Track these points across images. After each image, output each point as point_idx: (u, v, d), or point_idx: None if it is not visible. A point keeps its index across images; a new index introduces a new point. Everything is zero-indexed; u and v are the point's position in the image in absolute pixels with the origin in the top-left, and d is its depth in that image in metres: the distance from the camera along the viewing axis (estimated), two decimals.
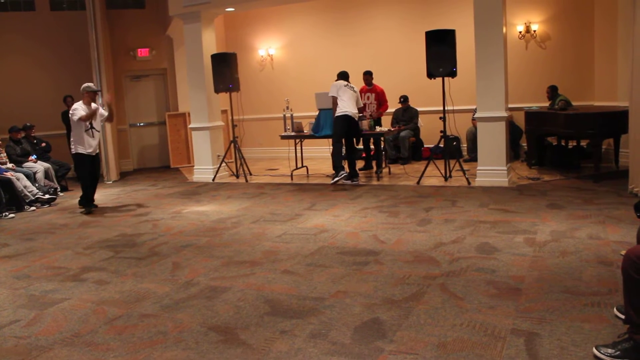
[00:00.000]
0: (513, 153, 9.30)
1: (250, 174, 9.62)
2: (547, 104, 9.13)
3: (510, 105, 8.00)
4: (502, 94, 7.38)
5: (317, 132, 8.81)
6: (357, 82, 9.23)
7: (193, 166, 10.21)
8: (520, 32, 9.84)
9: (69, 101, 10.20)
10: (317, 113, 8.88)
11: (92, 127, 7.38)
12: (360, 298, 3.73)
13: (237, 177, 9.57)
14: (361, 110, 8.60)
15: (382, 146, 9.17)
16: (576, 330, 3.05)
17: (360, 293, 3.82)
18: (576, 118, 7.62)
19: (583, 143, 8.76)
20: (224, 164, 9.66)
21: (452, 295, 3.68)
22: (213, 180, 9.49)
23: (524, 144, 9.44)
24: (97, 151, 7.65)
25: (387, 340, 3.09)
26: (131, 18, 11.82)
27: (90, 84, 7.71)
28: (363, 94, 9.31)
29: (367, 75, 9.30)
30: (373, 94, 9.29)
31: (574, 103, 8.78)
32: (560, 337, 2.99)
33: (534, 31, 9.76)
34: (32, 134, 9.52)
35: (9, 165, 8.36)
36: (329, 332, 3.23)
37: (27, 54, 11.18)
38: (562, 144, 8.87)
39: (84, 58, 10.64)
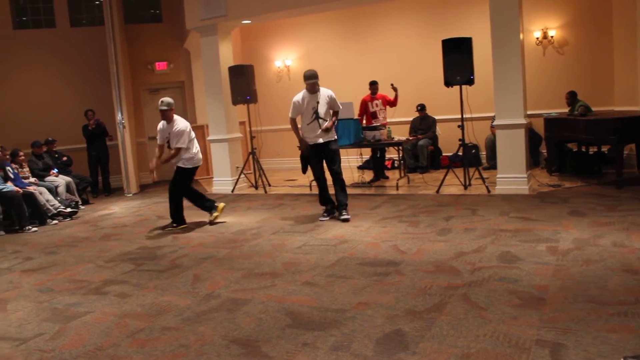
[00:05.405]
0: (533, 160, 9.21)
1: (269, 185, 9.65)
2: (566, 110, 9.04)
3: (529, 112, 7.93)
4: (521, 101, 7.31)
5: None
6: (364, 91, 9.32)
7: (212, 178, 10.27)
8: (537, 38, 9.77)
9: (89, 115, 10.39)
10: None
11: (317, 117, 6.59)
12: (381, 309, 3.71)
13: (256, 188, 9.59)
14: (374, 117, 8.57)
15: (384, 155, 9.06)
16: (603, 341, 2.99)
17: (381, 304, 3.80)
18: (596, 123, 7.53)
19: (604, 149, 8.66)
20: (242, 176, 9.71)
21: (475, 305, 3.64)
22: (232, 191, 9.54)
23: (543, 150, 9.35)
24: (329, 139, 6.66)
25: (409, 352, 3.06)
26: (149, 32, 11.99)
27: (312, 71, 6.51)
28: (371, 103, 9.32)
29: (374, 85, 9.27)
30: (380, 100, 9.28)
31: (593, 108, 8.68)
32: (587, 347, 2.93)
33: (552, 37, 9.68)
34: (54, 149, 9.68)
35: (32, 179, 8.50)
36: (351, 344, 3.22)
37: (48, 70, 11.40)
38: (582, 150, 8.77)
39: (104, 72, 10.80)
